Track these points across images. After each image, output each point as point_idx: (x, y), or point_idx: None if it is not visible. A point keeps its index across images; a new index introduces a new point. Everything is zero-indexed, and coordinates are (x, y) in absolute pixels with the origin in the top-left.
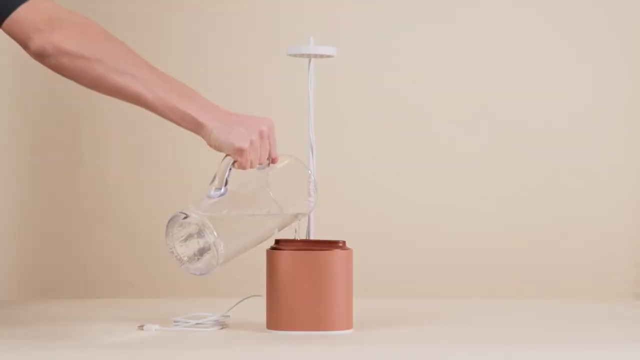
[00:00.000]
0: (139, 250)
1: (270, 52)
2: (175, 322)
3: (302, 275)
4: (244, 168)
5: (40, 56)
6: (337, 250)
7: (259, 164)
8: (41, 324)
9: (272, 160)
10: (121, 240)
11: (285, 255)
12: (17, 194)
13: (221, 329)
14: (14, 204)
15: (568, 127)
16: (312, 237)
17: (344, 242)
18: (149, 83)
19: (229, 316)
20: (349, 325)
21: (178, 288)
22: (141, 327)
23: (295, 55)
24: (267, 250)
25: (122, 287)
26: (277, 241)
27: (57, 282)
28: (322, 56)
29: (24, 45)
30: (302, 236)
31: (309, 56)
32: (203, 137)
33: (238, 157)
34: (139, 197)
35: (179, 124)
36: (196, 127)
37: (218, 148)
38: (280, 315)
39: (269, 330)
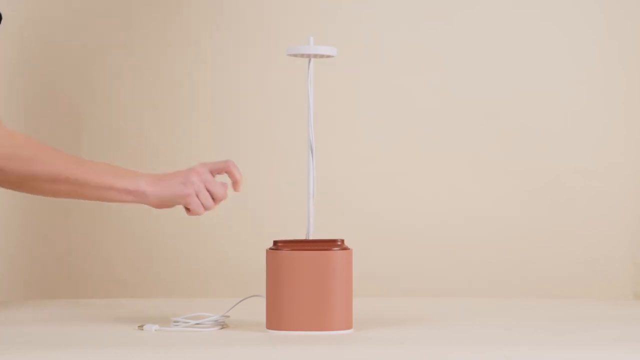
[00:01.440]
0: (139, 250)
1: (270, 52)
2: (174, 322)
3: (302, 275)
4: (198, 211)
5: None
6: (337, 250)
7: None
8: (41, 324)
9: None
10: (121, 240)
11: (285, 255)
12: (17, 194)
13: (221, 329)
14: (14, 204)
15: (568, 127)
16: (311, 237)
17: (342, 242)
18: (81, 179)
19: (229, 316)
20: (349, 325)
21: (178, 288)
22: (141, 327)
23: (295, 55)
24: (267, 250)
25: (122, 287)
26: (277, 241)
27: (57, 282)
28: (322, 56)
29: None
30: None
31: (309, 56)
32: (148, 203)
33: (187, 203)
34: None
35: (121, 201)
36: (138, 197)
37: (165, 205)
38: (280, 315)
39: (269, 330)
